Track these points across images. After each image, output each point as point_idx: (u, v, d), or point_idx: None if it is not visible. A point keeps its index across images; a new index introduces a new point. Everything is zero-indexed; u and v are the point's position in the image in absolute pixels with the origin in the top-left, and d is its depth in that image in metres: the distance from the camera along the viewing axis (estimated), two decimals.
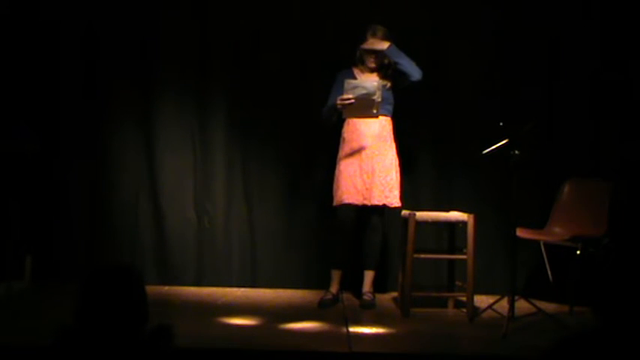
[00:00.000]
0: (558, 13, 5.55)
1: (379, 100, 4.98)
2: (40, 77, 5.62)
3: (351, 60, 5.26)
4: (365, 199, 5.09)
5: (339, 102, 5.01)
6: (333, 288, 5.20)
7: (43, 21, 5.60)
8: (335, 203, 5.15)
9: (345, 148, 5.17)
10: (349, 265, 5.26)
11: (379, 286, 5.37)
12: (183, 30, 5.69)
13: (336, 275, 5.21)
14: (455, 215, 5.00)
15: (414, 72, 5.06)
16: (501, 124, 4.64)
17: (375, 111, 5.00)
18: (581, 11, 5.53)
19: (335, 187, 5.17)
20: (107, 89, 5.69)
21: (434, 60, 5.52)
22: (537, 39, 5.57)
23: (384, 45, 5.11)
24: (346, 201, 5.09)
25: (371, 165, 5.09)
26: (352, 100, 4.96)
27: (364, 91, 4.98)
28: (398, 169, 5.18)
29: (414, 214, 4.92)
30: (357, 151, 5.12)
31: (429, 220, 5.00)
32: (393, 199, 5.13)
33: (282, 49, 5.66)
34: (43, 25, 5.60)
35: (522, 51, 5.57)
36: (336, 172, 5.18)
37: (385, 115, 5.14)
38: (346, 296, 5.36)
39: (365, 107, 4.99)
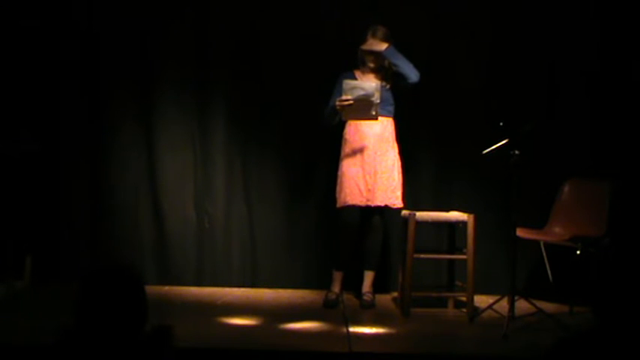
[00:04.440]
0: (558, 13, 5.55)
1: (378, 101, 4.98)
2: (40, 78, 5.61)
3: (352, 61, 5.26)
4: (368, 200, 5.09)
5: (337, 103, 5.01)
6: (336, 288, 5.20)
7: (44, 21, 5.60)
8: (339, 205, 5.15)
9: (346, 149, 5.18)
10: (351, 266, 5.26)
11: (379, 286, 5.37)
12: (183, 30, 5.69)
13: (338, 276, 5.21)
14: (455, 215, 5.00)
15: (411, 74, 5.06)
16: (501, 124, 4.64)
17: (374, 113, 5.00)
18: (580, 11, 5.53)
19: (338, 188, 5.18)
20: (108, 89, 5.69)
21: (434, 60, 5.52)
22: (537, 39, 5.57)
23: (382, 46, 5.11)
24: (350, 202, 5.09)
25: (373, 166, 5.09)
26: (351, 102, 4.96)
27: (363, 92, 4.98)
28: (400, 169, 5.18)
29: (414, 214, 4.92)
30: (359, 152, 5.12)
31: (429, 220, 5.00)
32: (396, 200, 5.13)
33: (283, 49, 5.66)
34: (43, 25, 5.60)
35: (522, 51, 5.57)
36: (339, 173, 5.19)
37: (386, 116, 5.15)
38: (346, 296, 5.36)
39: (364, 109, 4.98)
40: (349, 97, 4.97)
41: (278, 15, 5.66)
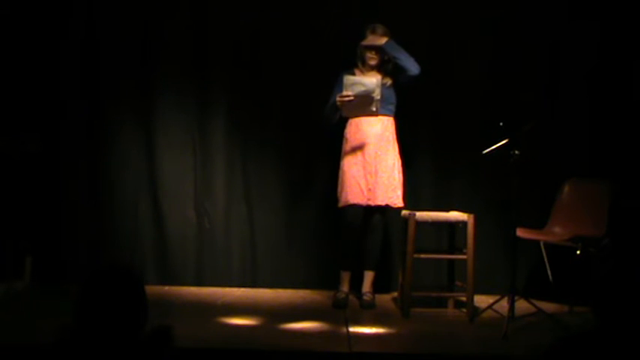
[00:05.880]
0: (558, 13, 5.55)
1: (378, 97, 4.99)
2: (41, 78, 5.62)
3: (352, 60, 5.27)
4: (369, 199, 5.09)
5: (338, 99, 5.03)
6: (345, 287, 5.19)
7: (44, 22, 5.60)
8: (341, 204, 5.15)
9: (347, 148, 5.18)
10: (358, 265, 5.25)
11: (380, 287, 5.37)
12: (183, 30, 5.69)
13: (345, 276, 5.20)
14: (455, 215, 4.99)
15: (412, 67, 5.07)
16: (501, 124, 4.64)
17: (374, 109, 5.01)
18: (580, 11, 5.53)
19: (339, 188, 5.18)
20: (108, 89, 5.69)
21: (434, 60, 5.51)
22: (537, 39, 5.57)
23: (382, 40, 5.13)
24: (352, 202, 5.09)
25: (374, 165, 5.09)
26: (351, 98, 4.97)
27: (363, 88, 4.99)
28: (400, 169, 5.18)
29: (414, 214, 4.92)
30: (359, 152, 5.12)
31: (429, 220, 5.00)
32: (396, 200, 5.13)
33: (282, 49, 5.66)
34: (43, 25, 5.60)
35: (522, 51, 5.58)
36: (340, 172, 5.19)
37: (387, 115, 5.15)
38: None
39: (364, 105, 5.00)
40: (350, 93, 4.98)
41: (278, 15, 5.66)
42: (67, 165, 5.68)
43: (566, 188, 5.38)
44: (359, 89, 4.99)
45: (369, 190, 5.08)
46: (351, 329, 4.52)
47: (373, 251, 5.21)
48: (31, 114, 5.57)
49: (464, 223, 4.90)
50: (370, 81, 5.02)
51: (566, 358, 2.10)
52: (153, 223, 5.71)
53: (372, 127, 5.12)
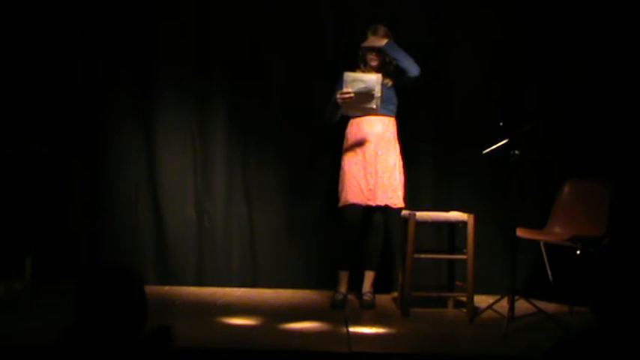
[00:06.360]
0: (558, 13, 5.55)
1: (379, 94, 4.99)
2: (40, 78, 5.62)
3: (353, 61, 5.26)
4: (369, 199, 5.09)
5: (338, 96, 5.02)
6: (343, 288, 5.19)
7: (44, 21, 5.60)
8: (340, 204, 5.16)
9: (348, 148, 5.18)
10: (356, 265, 5.25)
11: (380, 287, 5.36)
12: (183, 30, 5.69)
13: (344, 276, 5.20)
14: (455, 215, 4.99)
15: (412, 68, 5.07)
16: (501, 124, 4.64)
17: (374, 106, 5.01)
18: (581, 11, 5.53)
19: (340, 187, 5.18)
20: (108, 89, 5.69)
21: (435, 60, 5.51)
22: (537, 39, 5.57)
23: (383, 42, 5.13)
24: (351, 201, 5.09)
25: (374, 165, 5.09)
26: (352, 95, 4.97)
27: (363, 85, 4.99)
28: (401, 169, 5.18)
29: (414, 214, 4.92)
30: (360, 151, 5.12)
31: (429, 220, 5.00)
32: (397, 200, 5.13)
33: (282, 49, 5.66)
34: (43, 25, 5.60)
35: (522, 51, 5.58)
36: (341, 172, 5.19)
37: (388, 116, 5.15)
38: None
39: (364, 102, 5.00)
40: (350, 89, 4.98)
41: (278, 15, 5.66)
42: (66, 165, 5.68)
43: (566, 188, 5.38)
44: (359, 86, 4.99)
45: (370, 190, 5.08)
46: (351, 329, 4.52)
47: (373, 251, 5.20)
48: (31, 114, 5.57)
49: (464, 223, 4.90)
50: (370, 77, 5.02)
51: (566, 358, 2.10)
52: (153, 223, 5.71)
53: (372, 128, 5.12)
